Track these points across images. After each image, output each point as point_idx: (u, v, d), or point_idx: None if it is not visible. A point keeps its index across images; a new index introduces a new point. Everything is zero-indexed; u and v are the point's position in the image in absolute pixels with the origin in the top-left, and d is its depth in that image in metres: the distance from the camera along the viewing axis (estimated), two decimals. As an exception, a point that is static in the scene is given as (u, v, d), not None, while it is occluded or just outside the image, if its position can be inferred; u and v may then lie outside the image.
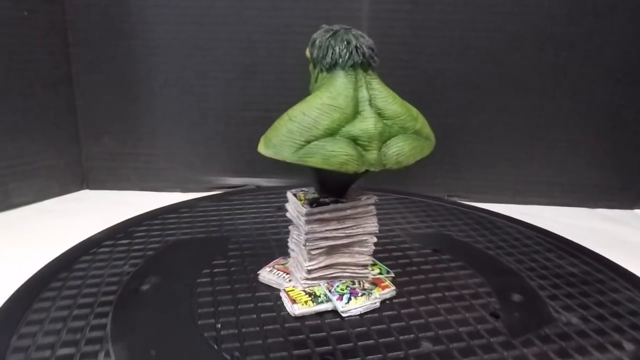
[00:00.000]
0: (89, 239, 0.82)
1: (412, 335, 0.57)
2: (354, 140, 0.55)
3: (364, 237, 0.65)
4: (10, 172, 1.03)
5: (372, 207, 0.65)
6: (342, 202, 0.63)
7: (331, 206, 0.62)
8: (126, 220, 0.91)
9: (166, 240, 0.82)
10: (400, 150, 0.56)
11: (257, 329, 0.57)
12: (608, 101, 1.07)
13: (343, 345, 0.55)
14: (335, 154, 0.54)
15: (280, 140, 0.56)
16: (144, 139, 1.15)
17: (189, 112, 1.13)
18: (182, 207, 0.98)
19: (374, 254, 0.72)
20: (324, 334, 0.57)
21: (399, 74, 1.07)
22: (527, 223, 0.95)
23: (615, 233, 0.99)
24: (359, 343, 0.55)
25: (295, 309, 0.60)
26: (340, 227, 0.63)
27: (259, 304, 0.63)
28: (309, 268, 0.64)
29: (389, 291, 0.65)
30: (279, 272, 0.69)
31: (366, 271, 0.67)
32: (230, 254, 0.77)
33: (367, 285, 0.65)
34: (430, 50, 1.06)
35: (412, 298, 0.65)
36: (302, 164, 0.54)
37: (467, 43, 1.06)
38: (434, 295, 0.66)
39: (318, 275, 0.65)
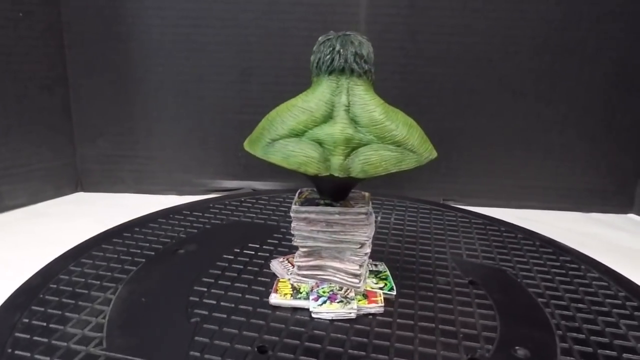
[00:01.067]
0: (85, 241, 0.81)
1: (362, 353, 0.54)
2: (321, 144, 0.56)
3: (354, 246, 0.63)
4: (4, 174, 1.02)
5: (364, 217, 0.62)
6: (332, 206, 0.64)
7: (318, 208, 0.63)
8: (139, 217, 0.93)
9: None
10: (367, 159, 0.55)
11: (232, 305, 0.63)
12: (603, 106, 1.08)
13: (289, 340, 0.56)
14: (295, 154, 0.56)
15: (255, 136, 0.60)
16: (140, 141, 1.14)
17: (185, 114, 1.13)
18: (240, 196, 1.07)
19: (395, 267, 0.74)
20: (282, 325, 0.59)
21: (397, 78, 1.08)
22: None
23: (611, 238, 1.00)
24: (306, 343, 0.56)
25: (272, 298, 0.64)
26: (327, 230, 0.64)
27: (252, 287, 0.68)
28: (298, 264, 0.66)
29: (375, 307, 0.62)
30: (288, 264, 0.72)
31: (356, 280, 0.64)
32: (269, 241, 0.84)
33: (350, 294, 0.63)
34: (428, 55, 1.06)
35: (398, 320, 0.61)
36: (267, 161, 0.57)
37: (464, 48, 1.06)
38: (423, 324, 0.60)
39: (308, 273, 0.67)
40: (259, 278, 0.71)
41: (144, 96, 1.12)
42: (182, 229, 0.88)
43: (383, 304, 0.63)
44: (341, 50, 0.58)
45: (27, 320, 0.58)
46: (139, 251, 0.78)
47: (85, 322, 0.58)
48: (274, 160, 0.57)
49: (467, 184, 1.14)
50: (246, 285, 0.69)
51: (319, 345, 0.55)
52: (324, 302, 0.62)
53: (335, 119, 0.57)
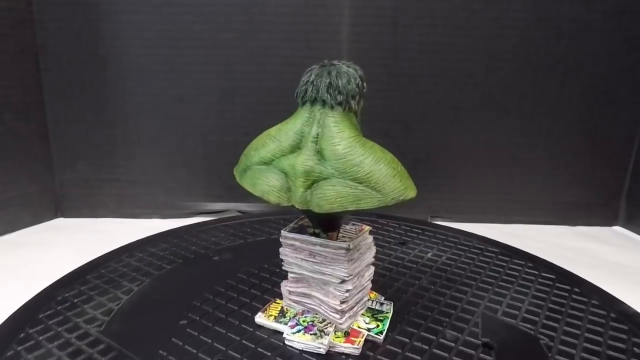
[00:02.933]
0: (67, 275, 0.79)
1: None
2: (286, 174, 0.57)
3: (335, 280, 0.61)
4: (-21, 204, 0.99)
5: (344, 252, 0.60)
6: (317, 236, 0.62)
7: (303, 236, 0.62)
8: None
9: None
10: (323, 194, 0.53)
11: (223, 316, 0.67)
12: (585, 121, 1.09)
13: None
14: (260, 183, 0.57)
15: (239, 161, 0.63)
16: (121, 164, 1.11)
17: (166, 136, 1.11)
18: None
19: (408, 310, 0.69)
20: (252, 345, 0.61)
21: (381, 96, 1.07)
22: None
23: (597, 252, 1.00)
24: None
25: (257, 317, 0.66)
26: (310, 260, 0.63)
27: (253, 302, 0.71)
28: (288, 288, 0.67)
29: (350, 348, 0.59)
30: None
31: (337, 316, 0.62)
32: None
33: (328, 329, 0.61)
34: (411, 73, 1.06)
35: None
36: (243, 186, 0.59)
37: (447, 65, 1.06)
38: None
39: (297, 299, 0.66)
40: (265, 296, 0.73)
41: (124, 118, 1.09)
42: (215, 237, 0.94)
43: (360, 347, 0.59)
44: (315, 81, 0.57)
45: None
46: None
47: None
48: (245, 186, 0.59)
49: (454, 200, 1.14)
50: (247, 300, 0.72)
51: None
52: (299, 330, 0.62)
53: (302, 150, 0.56)
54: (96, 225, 1.09)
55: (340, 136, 0.55)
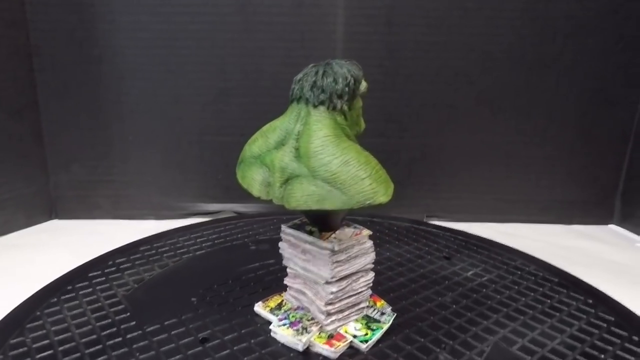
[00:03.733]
0: (60, 277, 0.78)
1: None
2: (269, 169, 0.58)
3: (321, 280, 0.60)
4: (-28, 206, 0.98)
5: (327, 253, 0.59)
6: (310, 234, 0.62)
7: (297, 232, 0.63)
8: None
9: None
10: (291, 191, 0.54)
11: (231, 300, 0.71)
12: (580, 119, 1.09)
13: (230, 344, 0.61)
14: (246, 176, 0.59)
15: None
16: (116, 165, 1.11)
17: (162, 137, 1.10)
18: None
19: (417, 327, 0.65)
20: (238, 331, 0.64)
21: (377, 96, 1.07)
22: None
23: (593, 251, 1.00)
24: (235, 348, 0.60)
25: (256, 306, 0.68)
26: (302, 257, 0.63)
27: (261, 290, 0.75)
28: (287, 283, 0.68)
29: (328, 351, 0.58)
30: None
31: (322, 316, 0.61)
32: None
33: (311, 328, 0.61)
34: (406, 72, 1.06)
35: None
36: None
37: (442, 64, 1.06)
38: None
39: (294, 295, 0.67)
40: (280, 288, 0.71)
41: (119, 119, 1.09)
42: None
43: (339, 351, 0.58)
44: (302, 80, 0.58)
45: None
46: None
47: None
48: (237, 177, 0.61)
49: (450, 200, 1.14)
50: (261, 290, 0.75)
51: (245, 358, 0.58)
52: (285, 324, 0.63)
53: (284, 146, 0.57)
54: (91, 227, 1.09)
55: (316, 135, 0.55)
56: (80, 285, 0.75)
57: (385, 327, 0.63)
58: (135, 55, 1.05)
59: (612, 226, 1.15)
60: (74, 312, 0.68)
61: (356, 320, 0.64)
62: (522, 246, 0.94)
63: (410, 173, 1.12)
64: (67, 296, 0.72)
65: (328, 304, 0.61)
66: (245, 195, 1.12)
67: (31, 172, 1.08)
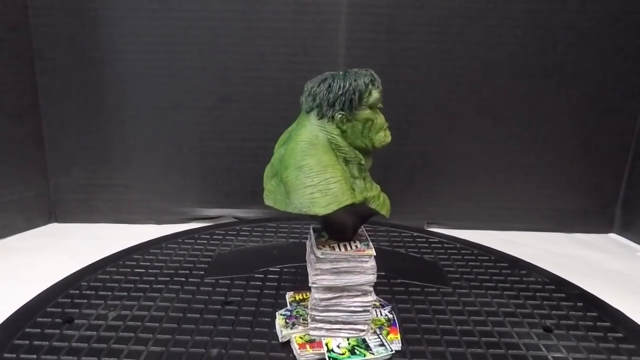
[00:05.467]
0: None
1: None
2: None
3: (311, 282, 0.60)
4: (-28, 209, 0.98)
5: (313, 258, 0.59)
6: (319, 235, 0.63)
7: (310, 234, 0.64)
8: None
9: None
10: (266, 189, 0.58)
11: (275, 283, 0.79)
12: (581, 128, 1.09)
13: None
14: (266, 169, 0.61)
15: None
16: (116, 170, 1.11)
17: (163, 142, 1.10)
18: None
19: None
20: (252, 309, 0.71)
21: (377, 103, 1.07)
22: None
23: (593, 260, 1.00)
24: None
25: (287, 294, 0.73)
26: (307, 258, 0.65)
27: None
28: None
29: (296, 351, 0.60)
30: None
31: (309, 319, 0.63)
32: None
33: (299, 327, 0.63)
34: (408, 79, 1.06)
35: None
36: None
37: (443, 71, 1.06)
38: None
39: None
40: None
41: (120, 123, 1.09)
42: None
43: (305, 357, 0.59)
44: (305, 89, 0.59)
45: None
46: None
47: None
48: None
49: (450, 207, 1.14)
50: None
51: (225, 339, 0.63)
52: (285, 316, 0.67)
53: (281, 147, 0.60)
54: (91, 231, 1.09)
55: (294, 140, 0.57)
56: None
57: (372, 358, 0.59)
58: (136, 60, 1.05)
59: (612, 235, 1.15)
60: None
61: (348, 339, 0.62)
62: (522, 254, 0.94)
63: (411, 180, 1.12)
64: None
65: (312, 308, 0.61)
66: (245, 201, 1.13)
67: (31, 176, 1.08)
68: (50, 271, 0.81)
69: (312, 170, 0.54)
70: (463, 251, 0.95)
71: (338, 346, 0.61)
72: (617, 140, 1.10)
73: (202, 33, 1.04)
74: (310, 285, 0.60)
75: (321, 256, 0.59)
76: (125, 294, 0.74)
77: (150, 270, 0.83)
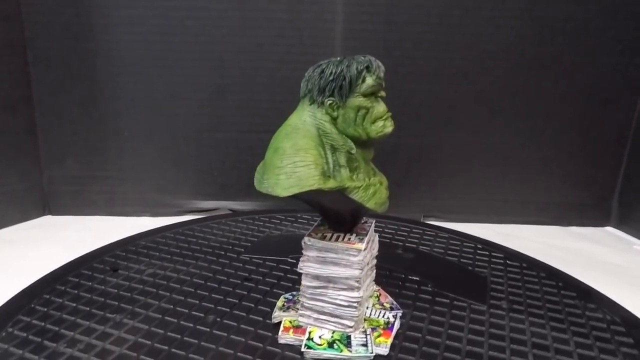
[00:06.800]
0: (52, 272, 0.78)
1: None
2: None
3: (299, 270, 0.61)
4: (-36, 200, 0.97)
5: (303, 242, 0.60)
6: (321, 225, 0.63)
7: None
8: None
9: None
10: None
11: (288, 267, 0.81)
12: (578, 121, 1.09)
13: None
14: None
15: None
16: (111, 161, 1.10)
17: (158, 133, 1.09)
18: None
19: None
20: (266, 289, 0.74)
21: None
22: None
23: (590, 253, 1.00)
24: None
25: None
26: None
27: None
28: None
29: (280, 333, 0.61)
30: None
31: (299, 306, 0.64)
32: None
33: (291, 311, 0.65)
34: (405, 71, 1.05)
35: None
36: None
37: (441, 63, 1.05)
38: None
39: None
40: None
41: (115, 115, 1.07)
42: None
43: (285, 340, 0.60)
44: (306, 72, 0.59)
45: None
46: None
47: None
48: None
49: (447, 200, 1.13)
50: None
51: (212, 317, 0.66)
52: (286, 300, 0.69)
53: None
54: (85, 223, 1.08)
55: (285, 123, 0.58)
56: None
57: (349, 355, 0.57)
58: (131, 50, 1.04)
59: (609, 228, 1.15)
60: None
61: (334, 334, 0.61)
62: (519, 247, 0.94)
63: (408, 173, 1.12)
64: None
65: (301, 295, 0.62)
66: (240, 193, 1.12)
67: (25, 167, 1.06)
68: (44, 263, 0.80)
69: (284, 152, 0.54)
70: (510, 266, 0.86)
71: (320, 337, 0.60)
72: (614, 133, 1.10)
73: (198, 23, 1.03)
74: (298, 270, 0.61)
75: (308, 243, 0.59)
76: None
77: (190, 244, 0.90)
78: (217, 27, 1.03)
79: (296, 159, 0.53)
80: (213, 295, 0.72)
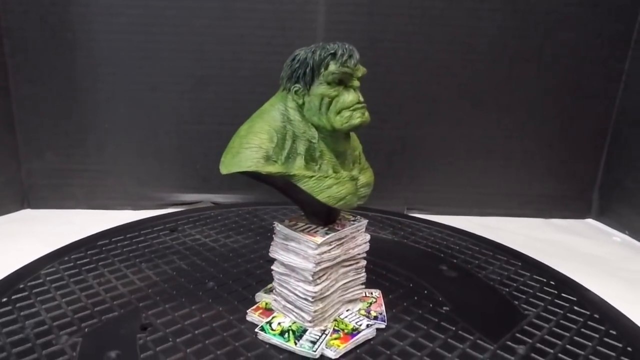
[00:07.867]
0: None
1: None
2: None
3: (269, 254, 0.62)
4: (-61, 193, 0.95)
5: (274, 235, 0.60)
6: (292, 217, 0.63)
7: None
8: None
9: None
10: None
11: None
12: (559, 114, 1.09)
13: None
14: None
15: None
16: (91, 154, 1.08)
17: (138, 125, 1.08)
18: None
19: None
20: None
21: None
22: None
23: (570, 245, 1.01)
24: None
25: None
26: None
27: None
28: None
29: (251, 316, 0.63)
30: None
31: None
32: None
33: (272, 294, 0.64)
34: (387, 62, 1.05)
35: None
36: None
37: (423, 55, 1.05)
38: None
39: None
40: None
41: (95, 107, 1.06)
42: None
43: (250, 319, 0.63)
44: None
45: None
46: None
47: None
48: None
49: (430, 192, 1.14)
50: None
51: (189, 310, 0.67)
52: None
53: None
54: (65, 217, 1.06)
55: (259, 110, 0.58)
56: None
57: (292, 348, 0.56)
58: (110, 41, 1.02)
59: (589, 220, 1.16)
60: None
61: (294, 322, 0.61)
62: (501, 239, 0.95)
63: (391, 165, 1.12)
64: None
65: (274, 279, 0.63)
66: (223, 186, 1.12)
67: (2, 160, 1.04)
68: (22, 257, 0.79)
69: (239, 134, 0.56)
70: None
71: (279, 323, 0.61)
72: (595, 125, 1.11)
73: (179, 13, 1.01)
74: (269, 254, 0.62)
75: (277, 228, 0.60)
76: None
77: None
78: (198, 18, 1.02)
79: (244, 140, 0.55)
80: (225, 264, 0.79)
